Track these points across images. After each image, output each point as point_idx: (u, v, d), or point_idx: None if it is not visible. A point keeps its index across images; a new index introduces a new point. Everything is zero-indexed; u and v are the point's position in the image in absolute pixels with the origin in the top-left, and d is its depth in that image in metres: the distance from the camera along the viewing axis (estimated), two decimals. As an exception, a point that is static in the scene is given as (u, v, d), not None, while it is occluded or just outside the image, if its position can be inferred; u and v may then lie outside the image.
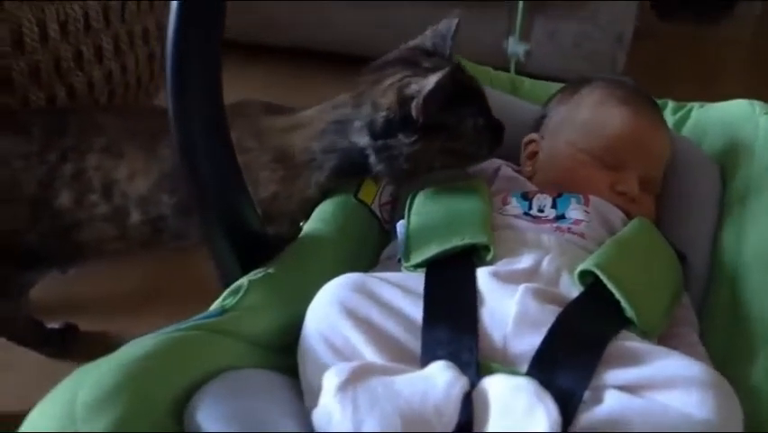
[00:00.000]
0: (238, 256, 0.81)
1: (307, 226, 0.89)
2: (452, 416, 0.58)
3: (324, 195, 0.92)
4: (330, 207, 0.91)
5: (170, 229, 0.95)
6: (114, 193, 0.94)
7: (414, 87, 0.83)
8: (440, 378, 0.60)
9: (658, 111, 1.01)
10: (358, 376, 0.59)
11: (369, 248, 0.92)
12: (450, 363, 0.62)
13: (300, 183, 0.91)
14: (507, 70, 1.78)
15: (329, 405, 0.58)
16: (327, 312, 0.69)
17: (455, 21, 0.91)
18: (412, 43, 0.94)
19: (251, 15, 2.04)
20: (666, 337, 0.80)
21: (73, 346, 1.20)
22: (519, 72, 1.77)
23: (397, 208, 0.96)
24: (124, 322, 1.25)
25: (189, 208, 0.85)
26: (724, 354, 0.81)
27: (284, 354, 0.72)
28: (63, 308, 1.27)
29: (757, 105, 1.03)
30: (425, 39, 0.93)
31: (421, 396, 0.58)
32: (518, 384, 0.59)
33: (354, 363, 0.61)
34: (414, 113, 0.83)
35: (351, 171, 0.91)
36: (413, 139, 0.84)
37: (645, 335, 0.74)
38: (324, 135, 0.90)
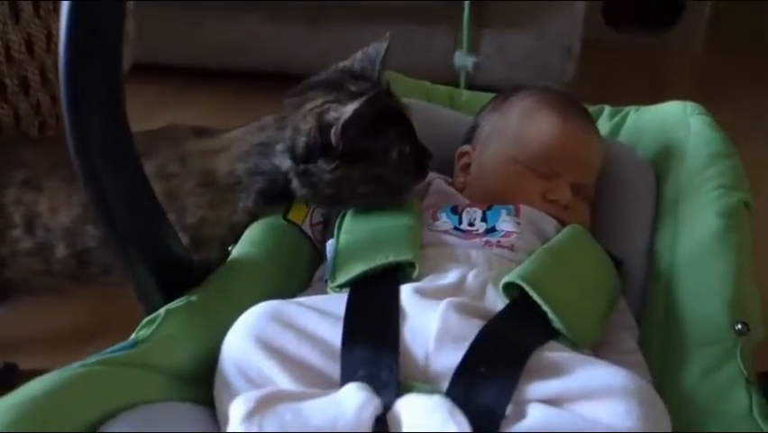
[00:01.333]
0: (159, 285, 0.79)
1: (236, 250, 0.87)
2: None
3: (252, 219, 0.91)
4: (258, 229, 0.89)
5: (97, 262, 0.93)
6: (37, 227, 0.92)
7: (333, 114, 0.81)
8: (350, 401, 0.58)
9: (588, 117, 1.00)
10: (265, 404, 0.57)
11: (300, 270, 0.90)
12: (362, 385, 0.60)
13: (228, 208, 0.90)
14: (458, 85, 1.80)
15: (235, 435, 0.56)
16: (241, 344, 0.67)
17: (385, 44, 0.90)
18: (341, 65, 0.93)
19: (197, 40, 2.03)
20: (600, 345, 0.79)
21: (13, 386, 1.16)
22: (469, 85, 1.78)
23: (329, 228, 0.94)
24: (68, 359, 1.21)
25: None
26: (662, 359, 0.80)
27: (204, 386, 0.70)
28: (2, 347, 1.24)
29: (689, 105, 1.03)
30: (354, 61, 0.92)
31: (331, 421, 0.56)
32: (432, 404, 0.57)
33: (262, 391, 0.59)
34: (333, 139, 0.81)
35: (277, 195, 0.89)
36: (333, 166, 0.83)
37: (576, 345, 0.72)
38: (249, 157, 0.88)
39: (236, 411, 0.57)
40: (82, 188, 0.71)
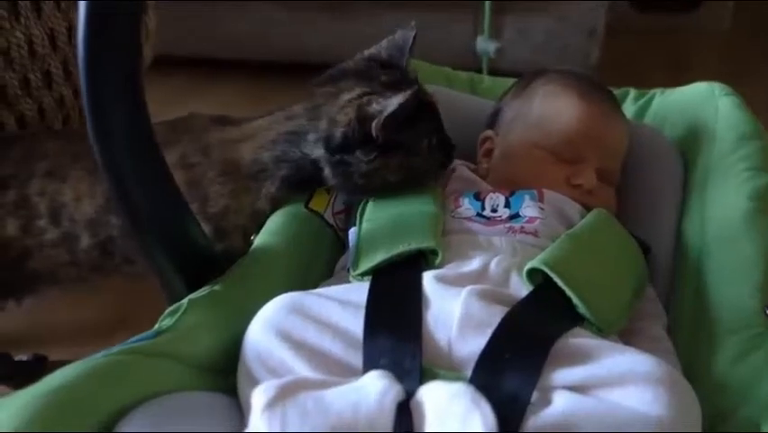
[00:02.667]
0: (182, 275, 0.79)
1: (258, 240, 0.87)
2: (385, 427, 0.55)
3: (275, 207, 0.90)
4: (280, 218, 0.89)
5: (120, 252, 0.93)
6: (62, 217, 0.92)
7: (375, 107, 0.82)
8: (372, 388, 0.57)
9: (613, 100, 0.98)
10: (287, 392, 0.57)
11: (322, 259, 0.89)
12: (384, 372, 0.59)
13: (251, 196, 0.89)
14: (480, 71, 1.78)
15: (257, 424, 0.56)
16: (262, 337, 0.67)
17: (412, 32, 0.90)
18: (367, 53, 0.92)
19: (213, 31, 2.03)
20: (628, 333, 0.77)
21: (42, 377, 1.17)
22: (491, 71, 1.76)
23: (351, 217, 0.94)
24: (96, 350, 1.22)
25: None
26: (691, 346, 0.79)
27: (228, 376, 0.69)
28: (32, 339, 1.25)
29: (716, 87, 1.00)
30: (381, 49, 0.91)
31: (353, 408, 0.56)
32: (455, 391, 0.56)
33: (284, 380, 0.58)
34: (374, 132, 0.81)
35: (302, 183, 0.89)
36: (371, 157, 0.83)
37: (602, 332, 0.71)
38: (276, 146, 0.88)
39: (258, 399, 0.56)
40: (103, 178, 0.71)
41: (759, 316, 0.74)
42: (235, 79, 2.08)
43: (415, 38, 0.89)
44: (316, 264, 0.88)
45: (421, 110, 0.85)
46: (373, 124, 0.81)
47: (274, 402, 0.56)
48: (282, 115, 0.90)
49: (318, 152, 0.85)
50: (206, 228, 0.87)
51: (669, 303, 0.86)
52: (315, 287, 0.83)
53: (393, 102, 0.80)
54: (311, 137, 0.86)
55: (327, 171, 0.86)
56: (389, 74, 0.87)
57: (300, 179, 0.88)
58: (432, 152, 0.87)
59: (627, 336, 0.77)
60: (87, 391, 0.59)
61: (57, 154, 0.95)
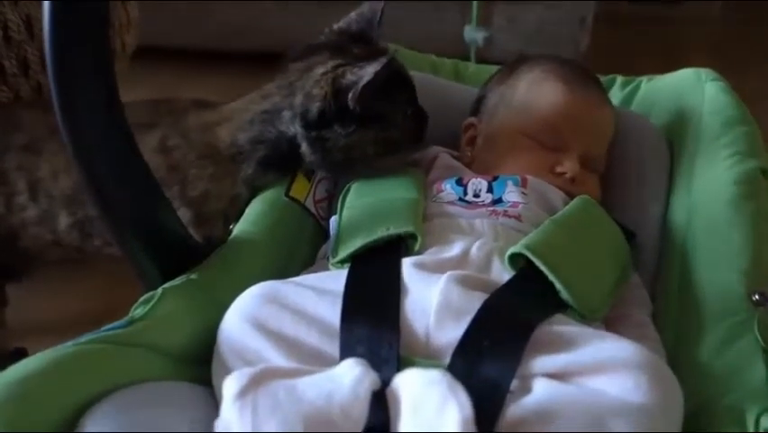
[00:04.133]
0: (158, 264, 0.77)
1: (237, 229, 0.86)
2: (360, 416, 0.54)
3: (253, 191, 0.89)
4: (259, 206, 0.87)
5: (99, 234, 0.91)
6: (40, 193, 0.90)
7: (350, 78, 0.80)
8: (347, 376, 0.56)
9: (598, 86, 0.96)
10: (259, 381, 0.55)
11: (303, 248, 0.88)
12: (359, 360, 0.58)
13: (230, 180, 0.88)
14: (469, 60, 1.76)
15: (228, 413, 0.54)
16: (237, 327, 0.66)
17: (381, 4, 0.88)
18: (337, 27, 0.91)
19: (204, 22, 2.00)
20: (612, 320, 0.76)
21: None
22: (480, 60, 1.74)
23: (333, 204, 0.92)
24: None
25: None
26: (677, 332, 0.78)
27: (204, 366, 0.68)
28: (12, 332, 1.23)
29: (703, 72, 0.99)
30: (351, 22, 0.90)
31: (326, 397, 0.54)
32: (430, 378, 0.55)
33: (256, 368, 0.57)
34: (351, 103, 0.80)
35: (280, 163, 0.87)
36: (349, 130, 0.82)
37: (585, 318, 0.70)
38: (252, 126, 0.87)
39: (229, 388, 0.55)
40: (71, 163, 0.70)
41: (745, 302, 0.73)
42: (225, 71, 2.05)
43: (383, 11, 0.89)
44: (298, 254, 0.87)
45: (396, 81, 0.84)
46: (349, 96, 0.80)
47: (245, 391, 0.54)
48: (257, 95, 0.89)
49: (295, 129, 0.84)
50: (187, 214, 0.85)
51: (655, 290, 0.85)
52: (295, 276, 0.82)
53: (368, 71, 0.79)
54: (286, 114, 0.84)
55: (305, 148, 0.84)
56: (361, 46, 0.86)
57: (278, 160, 0.87)
58: (407, 123, 0.86)
59: (612, 322, 0.76)
60: (53, 381, 0.57)
61: (32, 127, 0.92)
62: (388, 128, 0.84)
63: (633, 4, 2.25)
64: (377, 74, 0.78)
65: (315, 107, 0.82)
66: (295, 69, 0.86)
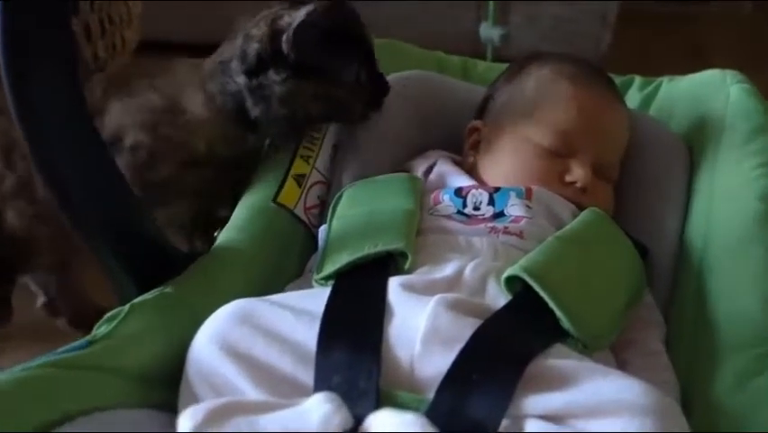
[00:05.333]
0: (132, 275, 0.73)
1: (221, 236, 0.81)
2: None
3: (227, 144, 0.84)
4: (246, 212, 0.82)
5: None
6: (16, 156, 0.86)
7: (286, 20, 0.77)
8: (315, 414, 0.51)
9: (612, 88, 0.89)
10: (217, 416, 0.50)
11: (291, 258, 0.82)
12: (330, 396, 0.52)
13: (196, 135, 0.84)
14: (484, 59, 1.69)
15: (181, 453, 0.49)
16: (206, 349, 0.61)
17: None
18: None
19: (207, 18, 1.96)
20: (622, 345, 0.70)
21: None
22: (497, 59, 1.67)
23: (324, 212, 0.86)
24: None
25: None
26: (691, 362, 0.71)
27: (171, 389, 0.63)
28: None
29: (728, 73, 0.91)
30: None
31: None
32: (405, 422, 0.49)
33: (215, 402, 0.52)
34: (284, 47, 0.76)
35: (239, 119, 0.82)
36: (283, 76, 0.78)
37: (588, 348, 0.63)
38: (214, 77, 0.83)
39: (183, 425, 0.50)
40: (35, 171, 0.65)
41: (766, 332, 0.66)
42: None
43: None
44: (285, 264, 0.81)
45: (345, 36, 0.80)
46: (283, 38, 0.76)
47: (201, 427, 0.49)
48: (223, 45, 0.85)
49: (241, 78, 0.80)
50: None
51: (668, 312, 0.78)
52: (281, 289, 0.77)
53: (301, 13, 0.75)
54: (234, 64, 0.80)
55: (249, 101, 0.80)
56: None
57: (237, 115, 0.82)
58: (358, 85, 0.81)
59: (620, 348, 0.70)
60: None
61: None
62: (331, 86, 0.80)
63: (658, 3, 2.16)
64: (308, 15, 0.75)
65: (252, 49, 0.78)
66: (245, 16, 0.83)
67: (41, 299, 1.13)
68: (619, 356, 0.70)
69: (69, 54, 0.62)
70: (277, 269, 0.80)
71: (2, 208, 0.90)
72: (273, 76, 0.78)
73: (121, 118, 0.83)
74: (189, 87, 0.84)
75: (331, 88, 0.80)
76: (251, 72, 0.79)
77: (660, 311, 0.77)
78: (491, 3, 1.64)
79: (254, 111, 0.80)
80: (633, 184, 0.87)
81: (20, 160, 0.86)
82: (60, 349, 0.61)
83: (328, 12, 0.77)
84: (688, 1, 2.21)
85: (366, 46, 0.83)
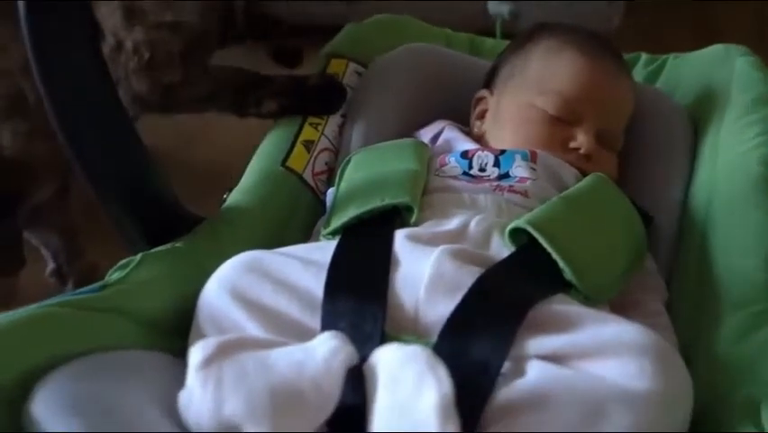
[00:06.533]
0: (143, 231, 0.74)
1: (230, 198, 0.83)
2: (332, 390, 0.49)
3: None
4: (253, 176, 0.84)
5: None
6: None
7: None
8: (321, 349, 0.51)
9: (617, 58, 0.90)
10: (227, 350, 0.51)
11: (298, 222, 0.84)
12: (337, 333, 0.53)
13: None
14: (493, 34, 1.67)
15: (192, 383, 0.50)
16: (216, 295, 0.62)
17: None
18: None
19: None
20: (622, 306, 0.71)
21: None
22: (506, 35, 1.66)
23: (332, 178, 0.88)
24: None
25: None
26: (693, 321, 0.72)
27: (184, 337, 0.64)
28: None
29: (733, 47, 0.92)
30: None
31: (297, 369, 0.50)
32: (409, 354, 0.50)
33: (224, 337, 0.53)
34: None
35: None
36: None
37: (590, 300, 0.64)
38: None
39: (194, 357, 0.51)
40: (52, 123, 0.66)
41: (764, 291, 0.67)
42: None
43: None
44: (293, 227, 0.83)
45: None
46: None
47: (210, 360, 0.51)
48: None
49: None
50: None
51: (671, 277, 0.79)
52: (288, 250, 0.78)
53: None
54: None
55: None
56: None
57: None
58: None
59: (621, 309, 0.70)
60: (11, 342, 0.54)
61: None
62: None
63: None
64: None
65: None
66: None
67: (50, 267, 1.15)
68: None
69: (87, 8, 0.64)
70: (283, 230, 0.81)
71: None
72: None
73: (113, 25, 0.82)
74: None
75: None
76: None
77: (662, 277, 0.78)
78: (501, -22, 1.63)
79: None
80: (636, 154, 0.88)
81: (2, 78, 0.85)
82: (74, 292, 0.62)
83: None
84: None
85: None
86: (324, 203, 0.85)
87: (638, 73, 1.02)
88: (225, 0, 0.84)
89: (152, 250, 0.70)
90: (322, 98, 0.92)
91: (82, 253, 1.14)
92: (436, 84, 0.97)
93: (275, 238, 0.79)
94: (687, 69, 0.98)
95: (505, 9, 1.62)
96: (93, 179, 0.69)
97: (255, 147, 0.90)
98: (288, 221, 0.83)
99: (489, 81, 0.93)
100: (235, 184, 0.84)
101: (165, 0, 0.81)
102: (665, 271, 0.80)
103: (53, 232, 1.09)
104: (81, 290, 0.63)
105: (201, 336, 0.61)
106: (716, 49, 0.95)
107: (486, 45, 1.11)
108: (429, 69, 0.97)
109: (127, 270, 0.66)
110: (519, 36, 0.95)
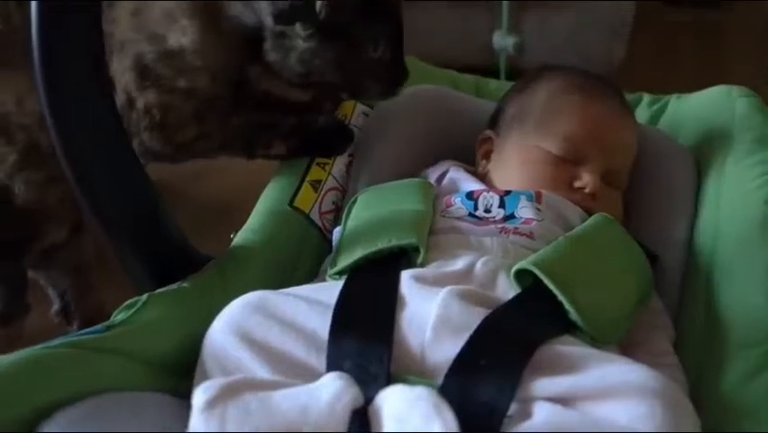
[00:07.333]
0: (152, 272, 0.74)
1: (237, 237, 0.83)
2: (336, 431, 0.49)
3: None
4: (261, 217, 0.84)
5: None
6: (14, 130, 0.85)
7: None
8: (326, 390, 0.51)
9: (621, 99, 0.91)
10: (231, 391, 0.51)
11: (305, 261, 0.84)
12: (342, 374, 0.53)
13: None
14: (498, 68, 1.68)
15: (196, 425, 0.50)
16: (221, 336, 0.62)
17: None
18: None
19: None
20: (629, 346, 0.70)
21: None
22: (511, 68, 1.67)
23: (339, 217, 0.88)
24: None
25: None
26: (700, 361, 0.71)
27: (186, 378, 0.64)
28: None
29: (735, 88, 0.93)
30: None
31: (300, 410, 0.50)
32: (415, 395, 0.50)
33: (228, 379, 0.53)
34: (317, 5, 0.75)
35: (246, 49, 0.82)
36: (308, 32, 0.77)
37: (596, 342, 0.64)
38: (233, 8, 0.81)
39: (198, 399, 0.51)
40: (62, 164, 0.67)
41: (775, 329, 0.67)
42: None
43: None
44: (298, 266, 0.83)
45: (379, 10, 0.80)
46: None
47: (214, 402, 0.51)
48: None
49: (267, 19, 0.78)
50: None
51: (678, 317, 0.78)
52: (295, 290, 0.78)
53: None
54: (264, 4, 0.78)
55: (268, 44, 0.80)
56: None
57: (245, 45, 0.81)
58: (380, 64, 0.81)
59: (629, 348, 0.70)
60: (12, 384, 0.54)
61: None
62: (353, 55, 0.79)
63: (674, 10, 2.11)
64: None
65: None
66: None
67: (56, 306, 1.15)
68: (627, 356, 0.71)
69: (99, 48, 0.65)
70: (291, 270, 0.82)
71: (10, 186, 0.89)
72: (299, 29, 0.77)
73: (125, 82, 0.83)
74: (177, 12, 0.82)
75: (350, 58, 0.79)
76: (278, 17, 0.77)
77: (669, 316, 0.78)
78: (505, 12, 1.64)
79: (270, 56, 0.80)
80: (641, 194, 0.89)
81: (18, 132, 0.86)
82: (78, 332, 0.62)
83: None
84: (703, 9, 2.16)
85: (396, 25, 0.82)
86: (331, 242, 0.86)
87: (641, 114, 1.03)
88: (240, 67, 0.84)
89: (159, 290, 0.70)
90: (329, 141, 0.93)
91: (92, 291, 1.14)
92: (442, 125, 0.98)
93: (282, 278, 0.79)
94: (689, 110, 0.99)
95: (509, 42, 1.63)
96: (102, 221, 0.70)
97: (263, 183, 0.91)
98: (296, 261, 0.83)
99: (493, 122, 0.93)
100: (243, 224, 0.85)
101: (178, 64, 0.82)
102: (672, 310, 0.79)
103: (63, 271, 1.09)
104: (86, 330, 0.63)
105: (206, 376, 0.61)
106: (717, 90, 0.96)
107: (490, 86, 1.13)
108: (435, 110, 0.98)
109: (132, 310, 0.66)
110: (523, 77, 0.96)
